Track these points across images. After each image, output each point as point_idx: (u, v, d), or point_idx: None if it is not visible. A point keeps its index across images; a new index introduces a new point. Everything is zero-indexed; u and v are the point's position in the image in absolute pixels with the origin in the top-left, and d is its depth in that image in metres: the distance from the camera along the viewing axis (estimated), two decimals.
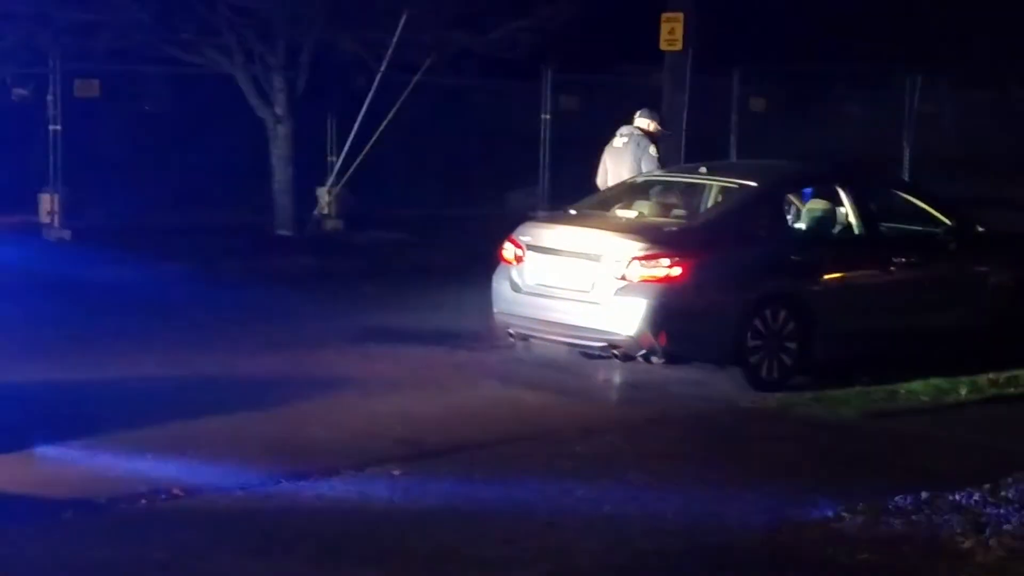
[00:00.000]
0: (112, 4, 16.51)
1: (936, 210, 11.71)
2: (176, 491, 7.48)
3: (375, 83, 18.14)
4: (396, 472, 7.93)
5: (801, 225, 11.29)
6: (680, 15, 20.01)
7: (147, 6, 16.67)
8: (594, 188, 13.04)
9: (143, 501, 7.33)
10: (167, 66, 18.20)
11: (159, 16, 16.78)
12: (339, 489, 7.65)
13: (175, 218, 17.62)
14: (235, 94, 17.86)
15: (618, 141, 13.31)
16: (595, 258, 10.44)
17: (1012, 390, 10.49)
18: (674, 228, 10.78)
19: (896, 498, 7.46)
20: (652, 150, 13.10)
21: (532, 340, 11.09)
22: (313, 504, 7.40)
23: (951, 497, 7.49)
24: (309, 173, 18.39)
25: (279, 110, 17.80)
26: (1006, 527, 7.01)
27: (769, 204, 11.20)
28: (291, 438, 8.73)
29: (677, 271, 10.21)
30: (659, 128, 13.44)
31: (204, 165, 18.31)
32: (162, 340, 11.52)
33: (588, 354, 10.90)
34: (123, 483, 7.59)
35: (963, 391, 10.33)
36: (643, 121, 13.39)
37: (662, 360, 10.34)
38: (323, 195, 18.60)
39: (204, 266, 15.36)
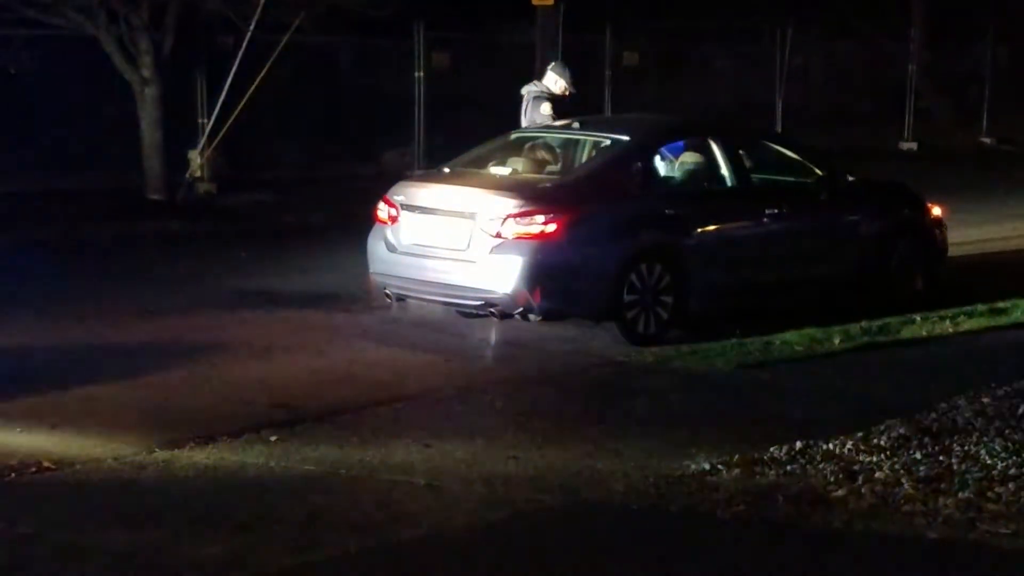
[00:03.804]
0: None
1: (807, 161, 11.86)
2: (46, 463, 7.33)
3: (244, 43, 17.84)
4: (272, 438, 7.86)
5: (674, 178, 11.33)
6: None
7: None
8: None
9: (12, 475, 7.18)
10: (29, 28, 17.70)
11: None
12: (214, 457, 7.56)
13: (42, 184, 17.18)
14: (101, 56, 17.45)
15: (524, 98, 13.30)
16: (470, 216, 10.39)
17: (883, 338, 10.66)
18: (548, 184, 10.77)
19: (771, 449, 7.56)
20: (545, 108, 13.02)
21: (409, 300, 11.03)
22: (188, 472, 7.31)
23: (824, 446, 7.60)
24: (180, 136, 18.06)
25: (146, 72, 17.43)
26: (878, 475, 7.13)
27: (641, 158, 11.22)
28: (165, 406, 8.59)
29: (552, 228, 10.20)
30: (567, 88, 13.28)
31: (72, 129, 17.88)
32: (28, 309, 11.20)
33: (465, 313, 10.86)
34: None
35: (836, 340, 10.47)
36: (551, 77, 13.34)
37: (539, 317, 10.34)
38: (194, 158, 18.28)
39: (72, 232, 15.05)
